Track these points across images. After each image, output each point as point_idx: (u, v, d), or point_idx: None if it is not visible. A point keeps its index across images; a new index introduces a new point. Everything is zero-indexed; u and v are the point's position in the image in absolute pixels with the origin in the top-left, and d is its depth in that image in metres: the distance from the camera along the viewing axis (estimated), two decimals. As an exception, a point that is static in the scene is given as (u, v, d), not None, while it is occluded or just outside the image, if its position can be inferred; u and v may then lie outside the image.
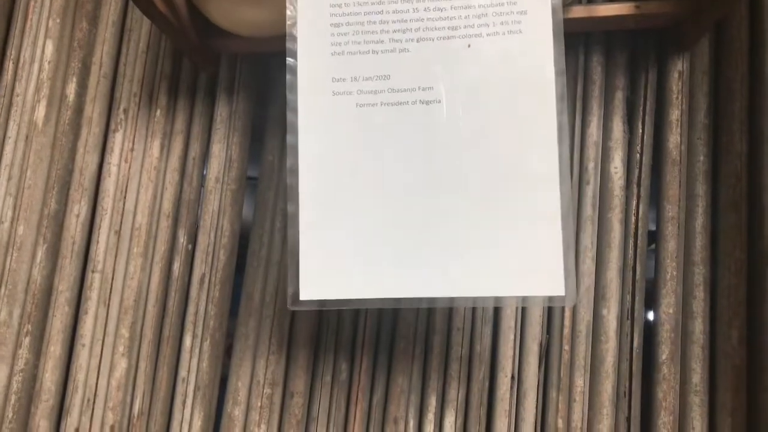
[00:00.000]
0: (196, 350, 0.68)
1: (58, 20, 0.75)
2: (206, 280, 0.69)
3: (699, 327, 0.62)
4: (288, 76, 0.50)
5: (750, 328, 0.61)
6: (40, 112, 0.73)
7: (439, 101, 0.49)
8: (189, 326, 0.69)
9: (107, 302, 0.70)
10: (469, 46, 0.49)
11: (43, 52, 0.75)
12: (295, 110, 0.49)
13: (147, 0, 0.54)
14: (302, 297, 0.48)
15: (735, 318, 0.61)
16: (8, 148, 0.74)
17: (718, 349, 0.62)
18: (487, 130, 0.48)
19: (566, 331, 0.64)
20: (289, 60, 0.50)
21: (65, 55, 0.75)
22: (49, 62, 0.74)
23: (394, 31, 0.50)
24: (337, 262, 0.49)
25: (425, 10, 0.50)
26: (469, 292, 0.47)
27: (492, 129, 0.48)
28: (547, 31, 0.48)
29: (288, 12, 0.50)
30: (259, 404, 0.66)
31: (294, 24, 0.50)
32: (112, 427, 0.67)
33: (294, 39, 0.50)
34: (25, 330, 0.70)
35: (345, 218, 0.49)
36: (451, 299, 0.49)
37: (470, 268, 0.48)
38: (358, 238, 0.49)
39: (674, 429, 0.61)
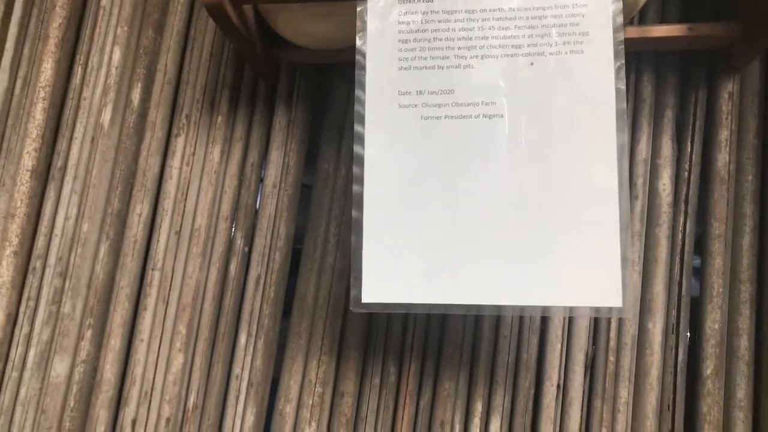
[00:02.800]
0: (251, 348, 0.71)
1: (125, 28, 0.78)
2: (262, 280, 0.72)
3: (744, 344, 0.63)
4: (357, 90, 0.52)
5: (795, 346, 0.62)
6: (106, 115, 0.77)
7: (502, 116, 0.51)
8: (244, 325, 0.71)
9: (166, 299, 0.72)
10: (532, 64, 0.51)
11: (110, 58, 0.78)
12: (362, 122, 0.52)
13: (222, 12, 0.57)
14: (364, 300, 0.51)
15: (781, 336, 0.62)
16: (75, 149, 0.77)
17: (763, 366, 0.63)
18: (548, 146, 0.50)
19: (612, 343, 0.65)
20: (358, 73, 0.52)
21: (131, 62, 0.78)
22: (116, 68, 0.78)
23: (459, 48, 0.52)
24: (398, 267, 0.51)
25: (490, 28, 0.52)
26: (527, 302, 0.49)
27: (553, 144, 0.50)
28: (608, 52, 0.50)
29: (358, 28, 0.53)
30: (310, 402, 0.68)
31: (364, 40, 0.53)
32: (167, 420, 0.70)
33: (363, 54, 0.53)
34: (87, 323, 0.73)
35: (407, 226, 0.51)
36: (498, 308, 0.51)
37: (530, 279, 0.49)
38: (419, 245, 0.51)
39: (717, 443, 0.63)
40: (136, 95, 0.77)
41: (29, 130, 0.77)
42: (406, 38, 0.52)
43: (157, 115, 0.76)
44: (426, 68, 0.52)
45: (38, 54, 0.79)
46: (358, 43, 0.53)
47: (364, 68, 0.52)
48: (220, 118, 0.75)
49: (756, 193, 0.66)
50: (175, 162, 0.75)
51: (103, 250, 0.74)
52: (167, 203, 0.75)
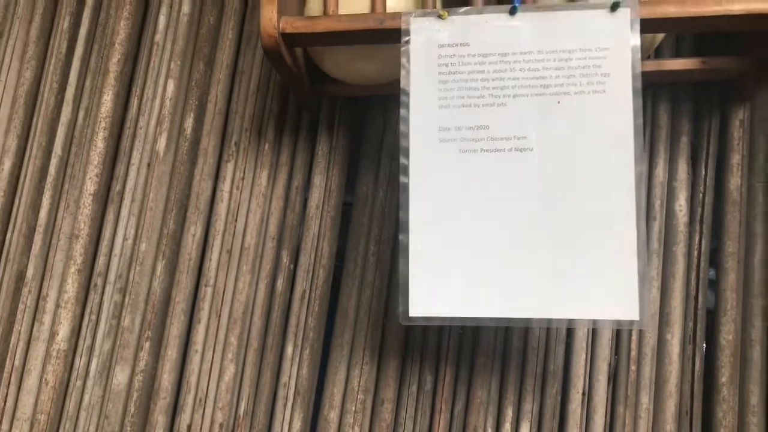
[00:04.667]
0: (296, 358, 0.77)
1: (178, 62, 0.85)
2: (306, 295, 0.78)
3: (757, 353, 0.68)
4: (401, 126, 0.58)
5: (805, 356, 0.67)
6: (161, 143, 0.84)
7: (532, 149, 0.57)
8: (290, 336, 0.77)
9: (218, 313, 0.79)
10: (558, 102, 0.57)
11: (164, 90, 0.85)
12: (407, 155, 0.58)
13: (278, 54, 0.63)
14: (411, 314, 0.57)
15: (791, 346, 0.67)
16: (132, 174, 0.84)
17: (774, 375, 0.68)
18: (573, 175, 0.56)
19: (633, 353, 0.70)
20: (402, 111, 0.59)
21: (184, 93, 0.85)
22: (169, 99, 0.84)
23: (494, 88, 0.58)
24: (440, 285, 0.57)
25: (521, 70, 0.58)
26: (557, 315, 0.55)
27: (577, 174, 0.56)
28: (627, 92, 0.56)
29: (402, 70, 0.59)
30: (353, 409, 0.74)
31: (407, 80, 0.59)
32: (221, 425, 0.76)
33: (407, 93, 0.59)
34: (145, 335, 0.79)
35: (448, 248, 0.57)
36: (527, 320, 0.57)
37: (557, 294, 0.55)
38: (459, 265, 0.57)
39: (732, 447, 0.67)
40: (189, 124, 0.84)
41: (91, 157, 0.84)
42: (445, 79, 0.58)
43: (208, 143, 0.83)
44: (463, 106, 0.58)
45: (98, 87, 0.86)
46: (402, 82, 0.59)
47: (407, 106, 0.58)
48: (266, 145, 0.82)
49: (766, 214, 0.71)
50: (225, 186, 0.82)
51: (160, 267, 0.81)
52: (219, 224, 0.81)
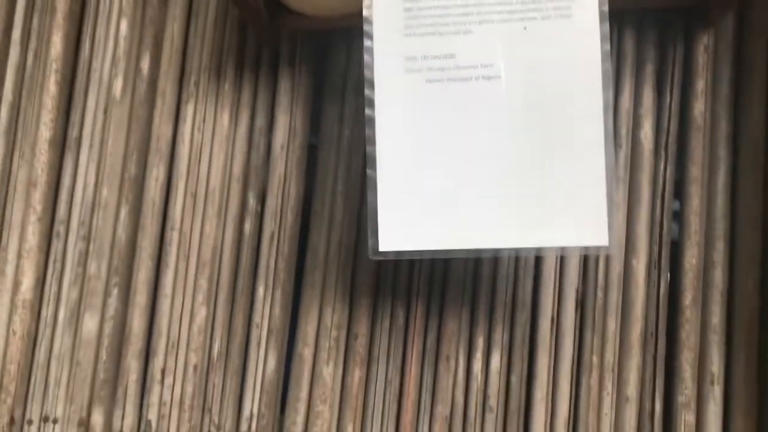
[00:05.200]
0: (268, 299, 0.77)
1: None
2: (275, 237, 0.77)
3: (719, 275, 0.70)
4: (365, 56, 0.57)
5: (764, 275, 0.69)
6: (117, 85, 0.81)
7: (499, 77, 0.56)
8: (261, 278, 0.77)
9: (186, 257, 0.78)
10: (525, 28, 0.56)
11: (117, 29, 0.81)
12: (372, 86, 0.57)
13: (233, -13, 0.60)
14: (381, 248, 0.57)
15: (751, 266, 0.69)
16: (88, 119, 0.81)
17: (735, 294, 0.70)
18: (541, 103, 0.55)
19: (600, 280, 0.72)
20: (366, 42, 0.57)
21: (138, 32, 0.81)
22: (123, 38, 0.81)
23: (459, 15, 0.57)
24: (410, 218, 0.57)
25: (486, -5, 0.56)
26: (528, 244, 0.55)
27: (545, 102, 0.55)
28: (593, 16, 0.55)
29: (364, -1, 0.57)
30: (327, 345, 0.75)
31: (370, 8, 0.57)
32: (195, 367, 0.76)
33: (370, 22, 0.57)
34: (113, 282, 0.78)
35: (416, 181, 0.57)
36: (496, 250, 0.57)
37: (527, 224, 0.55)
38: (428, 198, 0.57)
39: (695, 364, 0.70)
40: (145, 64, 0.81)
41: (44, 101, 0.81)
42: (410, 6, 0.57)
43: (166, 84, 0.80)
44: (429, 34, 0.57)
45: (47, 27, 0.82)
46: (365, 12, 0.57)
47: (371, 36, 0.57)
48: (227, 85, 0.80)
49: (729, 139, 0.72)
50: (186, 128, 0.80)
51: (124, 213, 0.79)
52: (182, 167, 0.79)
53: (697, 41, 0.72)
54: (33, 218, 0.79)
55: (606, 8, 0.55)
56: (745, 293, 0.69)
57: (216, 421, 0.76)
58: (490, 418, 0.72)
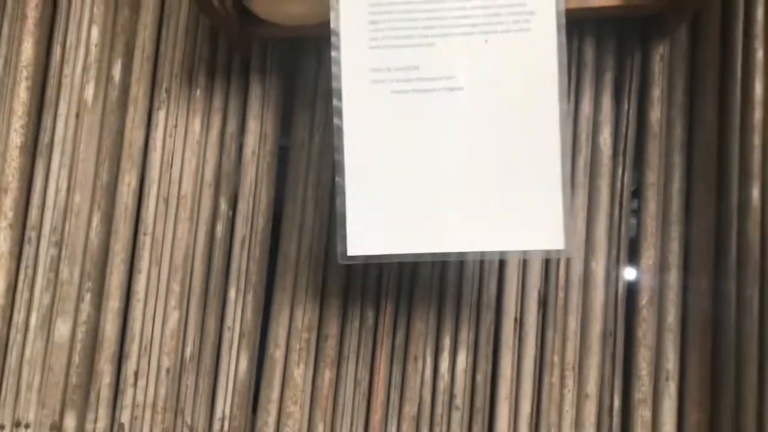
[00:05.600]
0: (240, 302, 0.78)
1: (101, 7, 0.82)
2: (247, 241, 0.79)
3: (674, 276, 0.73)
4: (333, 67, 0.59)
5: (716, 276, 0.72)
6: (89, 91, 0.81)
7: (462, 88, 0.58)
8: (233, 281, 0.78)
9: (159, 261, 0.79)
10: (486, 41, 0.58)
11: (88, 36, 0.82)
12: (339, 96, 0.59)
13: (205, -2, 0.62)
14: (349, 253, 0.58)
15: (704, 268, 0.72)
16: (60, 125, 0.82)
17: (689, 294, 0.73)
18: (501, 113, 0.58)
19: (561, 281, 0.74)
20: (333, 53, 0.59)
21: (109, 39, 0.82)
22: (95, 45, 0.82)
23: (423, 28, 0.59)
24: (377, 224, 0.59)
25: (449, 9, 0.59)
26: (488, 248, 0.58)
27: (505, 112, 0.58)
28: (551, 29, 0.57)
29: (332, 11, 0.59)
30: (298, 346, 0.76)
31: (337, 21, 0.59)
32: (168, 370, 0.77)
33: (337, 34, 0.59)
34: (85, 287, 0.79)
35: (383, 188, 0.59)
36: (462, 254, 0.59)
37: (488, 228, 0.58)
38: (394, 204, 0.59)
39: (651, 363, 0.73)
40: (116, 71, 0.82)
41: (15, 107, 0.81)
42: (376, 19, 0.59)
43: (138, 90, 0.81)
44: (394, 47, 0.59)
45: (17, 34, 0.83)
46: (333, 24, 0.59)
47: (338, 47, 0.59)
48: (198, 91, 0.81)
49: (684, 145, 0.75)
50: (158, 134, 0.81)
51: (96, 219, 0.80)
52: (153, 173, 0.80)
53: (654, 50, 0.75)
54: (4, 224, 0.80)
55: (563, 21, 0.57)
56: (699, 294, 0.72)
57: (189, 422, 0.77)
58: (456, 416, 0.74)
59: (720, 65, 0.74)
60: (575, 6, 0.71)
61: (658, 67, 0.76)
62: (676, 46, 0.76)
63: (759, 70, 0.71)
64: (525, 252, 0.59)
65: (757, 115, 0.71)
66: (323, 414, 0.76)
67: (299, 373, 0.76)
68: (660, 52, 0.76)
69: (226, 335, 0.78)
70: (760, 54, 0.71)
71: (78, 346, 0.78)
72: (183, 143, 0.80)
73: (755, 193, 0.71)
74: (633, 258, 0.75)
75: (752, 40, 0.72)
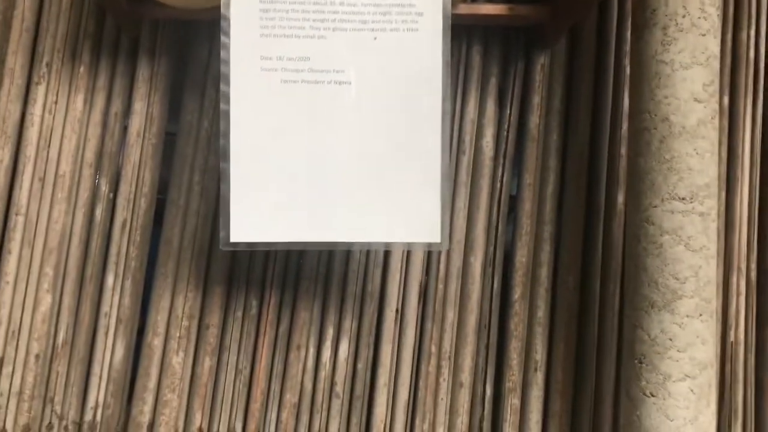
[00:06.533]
0: (118, 288, 0.76)
1: (-23, -29, 0.77)
2: (128, 225, 0.76)
3: (545, 273, 0.78)
4: (222, 52, 0.58)
5: (583, 274, 0.78)
6: (-41, 60, 0.76)
7: (350, 83, 0.59)
8: (111, 266, 0.76)
9: (31, 243, 0.75)
10: (375, 38, 0.60)
11: (-40, 1, 0.77)
12: (227, 82, 0.58)
13: (90, -29, 0.60)
14: (232, 239, 0.58)
15: (572, 266, 0.77)
16: (-75, 94, 0.76)
17: (558, 290, 0.78)
18: (386, 109, 0.60)
19: (441, 273, 0.77)
20: (223, 38, 0.59)
21: (-16, 7, 0.78)
22: (-32, 12, 0.77)
23: (314, 20, 0.59)
24: (262, 210, 0.59)
25: (340, 3, 0.60)
26: (367, 238, 0.59)
27: (390, 108, 0.60)
28: (437, 31, 0.60)
29: (223, -5, 0.59)
30: (177, 335, 0.75)
31: (228, 6, 0.59)
32: (37, 356, 0.74)
33: (227, 20, 0.59)
34: (-53, 267, 0.74)
35: (269, 175, 0.59)
36: (349, 243, 0.61)
37: (368, 219, 0.59)
38: (280, 191, 0.59)
39: (522, 353, 0.77)
40: (-9, 41, 0.77)
41: None
42: (267, 8, 0.59)
43: (15, 62, 0.77)
44: (285, 36, 0.59)
45: None
46: (223, 9, 0.59)
47: (228, 34, 0.59)
48: (82, 68, 0.78)
49: (559, 150, 0.80)
50: (36, 110, 0.77)
51: (-38, 195, 0.75)
52: (29, 150, 0.76)
53: (536, 60, 0.80)
54: None
55: (449, 24, 0.60)
56: (567, 290, 0.77)
57: (58, 411, 0.74)
58: (336, 403, 0.76)
59: (594, 78, 0.80)
60: (464, 12, 0.74)
61: (539, 76, 0.80)
62: (555, 56, 0.81)
63: (627, 86, 0.77)
64: (408, 244, 0.61)
65: (625, 126, 0.77)
66: (202, 402, 0.75)
67: (178, 361, 0.75)
68: (541, 62, 0.80)
69: (102, 321, 0.76)
70: (628, 70, 0.77)
71: (-64, 331, 0.73)
72: (63, 121, 0.77)
73: (620, 197, 0.77)
74: (508, 255, 0.80)
75: (623, 56, 0.78)
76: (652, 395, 0.59)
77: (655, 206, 0.59)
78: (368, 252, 0.78)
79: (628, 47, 0.78)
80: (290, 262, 0.78)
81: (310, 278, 0.77)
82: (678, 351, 0.58)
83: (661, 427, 0.59)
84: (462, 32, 0.79)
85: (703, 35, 0.59)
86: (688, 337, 0.58)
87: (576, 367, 0.77)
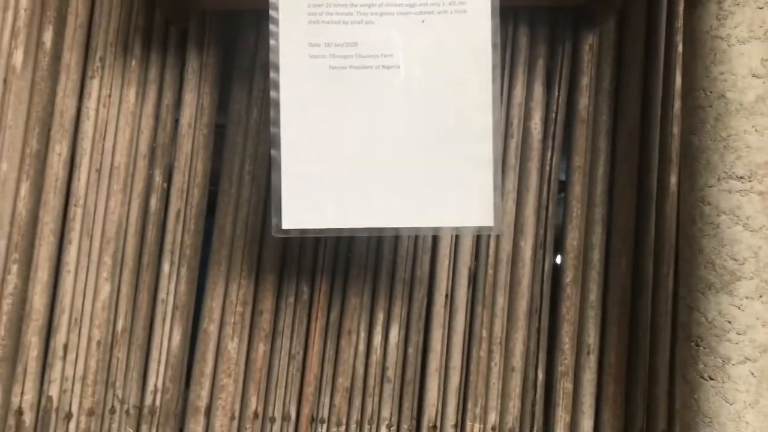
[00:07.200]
0: (174, 275, 0.78)
1: (32, -30, 0.80)
2: (181, 214, 0.78)
3: (596, 256, 0.77)
4: (271, 41, 0.59)
5: (636, 256, 0.77)
6: (18, 57, 0.79)
7: (398, 66, 0.59)
8: (167, 255, 0.78)
9: (90, 233, 0.78)
10: (423, 21, 0.59)
11: (17, 1, 0.79)
12: (277, 70, 0.59)
13: (141, -35, 0.61)
14: (284, 226, 0.59)
15: (624, 248, 0.76)
16: (-14, 91, 0.79)
17: (610, 273, 0.77)
18: (435, 92, 0.59)
19: (491, 259, 0.77)
20: (272, 26, 0.59)
21: (39, 5, 0.80)
22: (24, 10, 0.79)
23: (361, 5, 0.60)
24: (312, 197, 0.60)
25: (387, -12, 0.60)
26: (418, 223, 0.59)
27: (440, 91, 0.59)
28: (486, 12, 0.59)
29: (271, -16, 0.59)
30: (232, 321, 0.77)
31: (276, -5, 0.59)
32: (98, 342, 0.76)
33: (276, 8, 0.59)
34: (12, 258, 0.77)
35: (319, 162, 0.59)
36: (397, 229, 0.61)
37: (421, 204, 0.59)
38: (330, 178, 0.60)
39: (574, 337, 0.77)
40: (48, 38, 0.79)
41: (-62, 71, 0.78)
42: (315, -5, 0.59)
43: (71, 58, 0.79)
44: (333, 23, 0.59)
45: (-59, -6, 0.79)
46: (272, -2, 0.59)
47: (277, 22, 0.59)
48: (134, 62, 0.79)
49: (609, 131, 0.78)
50: (91, 103, 0.79)
51: (24, 188, 0.78)
52: (86, 143, 0.79)
53: (584, 41, 0.78)
54: (-75, 192, 0.77)
55: (497, 4, 0.59)
56: (619, 273, 0.76)
57: (120, 395, 0.77)
58: (387, 388, 0.76)
59: (644, 57, 0.78)
60: (511, -7, 0.74)
61: (587, 57, 0.79)
62: (604, 37, 0.79)
63: (679, 64, 0.75)
64: (457, 229, 0.61)
65: (677, 105, 0.75)
66: (257, 387, 0.77)
67: (233, 347, 0.77)
68: (589, 42, 0.79)
69: (159, 308, 0.78)
70: (680, 48, 0.75)
71: (4, 319, 0.76)
72: (117, 113, 0.79)
73: (673, 178, 0.75)
74: (559, 238, 0.79)
75: (674, 34, 0.76)
76: (711, 378, 0.58)
77: (711, 186, 0.58)
78: (416, 238, 0.78)
79: (679, 23, 0.76)
80: (340, 249, 0.78)
81: (359, 264, 0.77)
82: (737, 333, 0.57)
83: (721, 410, 0.57)
84: (508, 14, 0.78)
85: (761, 8, 0.57)
86: (747, 320, 0.57)
87: (629, 351, 0.76)
